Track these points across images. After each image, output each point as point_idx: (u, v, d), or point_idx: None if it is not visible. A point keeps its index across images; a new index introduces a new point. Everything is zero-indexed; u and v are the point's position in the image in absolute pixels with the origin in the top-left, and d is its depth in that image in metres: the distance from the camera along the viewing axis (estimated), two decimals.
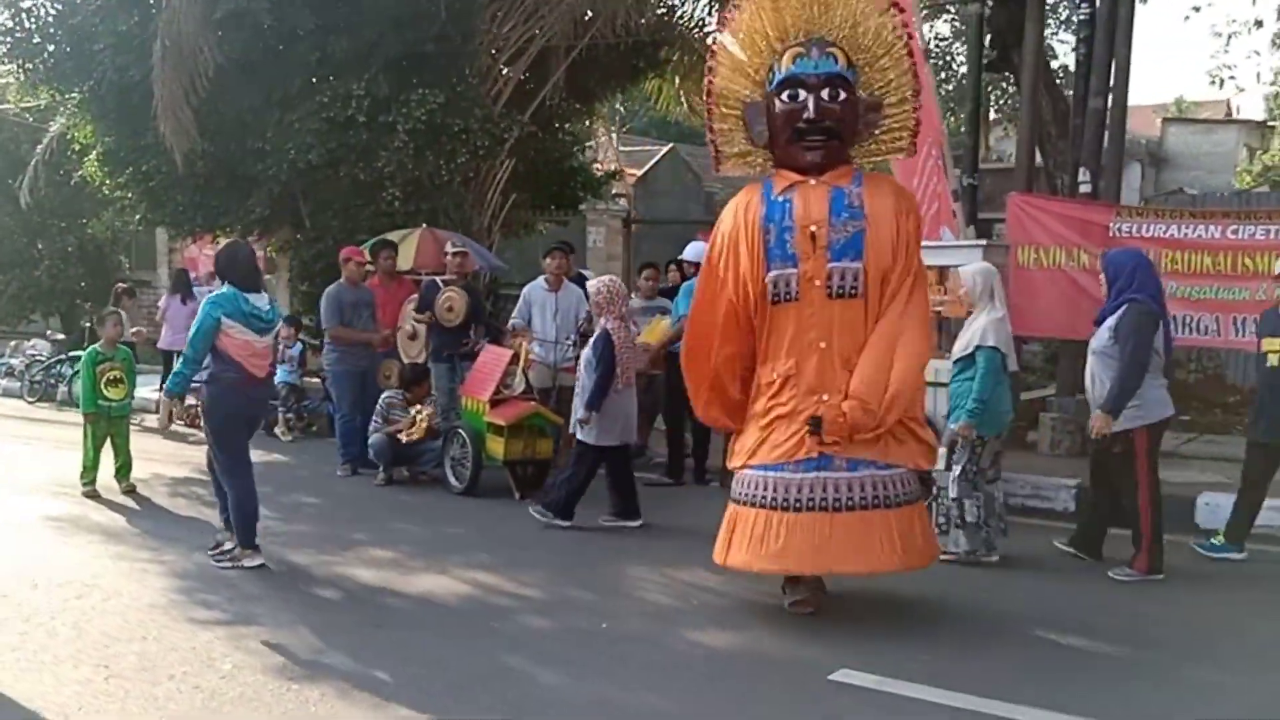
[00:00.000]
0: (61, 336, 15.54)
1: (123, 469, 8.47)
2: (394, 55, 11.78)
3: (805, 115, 5.07)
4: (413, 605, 5.63)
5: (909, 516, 5.14)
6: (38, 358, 14.64)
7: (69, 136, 14.12)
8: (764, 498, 5.11)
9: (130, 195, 13.51)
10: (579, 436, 7.22)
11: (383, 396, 8.77)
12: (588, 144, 14.62)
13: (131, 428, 8.78)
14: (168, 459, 9.76)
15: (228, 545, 6.35)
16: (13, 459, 9.80)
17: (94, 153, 13.40)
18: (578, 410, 7.19)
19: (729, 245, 5.26)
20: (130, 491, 8.34)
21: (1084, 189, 8.88)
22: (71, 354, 14.18)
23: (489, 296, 12.17)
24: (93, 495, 8.22)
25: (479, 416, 8.03)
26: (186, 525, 7.41)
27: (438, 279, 9.31)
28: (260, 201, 12.49)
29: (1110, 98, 8.95)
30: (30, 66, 12.55)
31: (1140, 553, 6.01)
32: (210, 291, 6.60)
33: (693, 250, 8.64)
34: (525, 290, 8.99)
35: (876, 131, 5.27)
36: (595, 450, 7.15)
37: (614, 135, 16.01)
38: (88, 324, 14.68)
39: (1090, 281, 7.73)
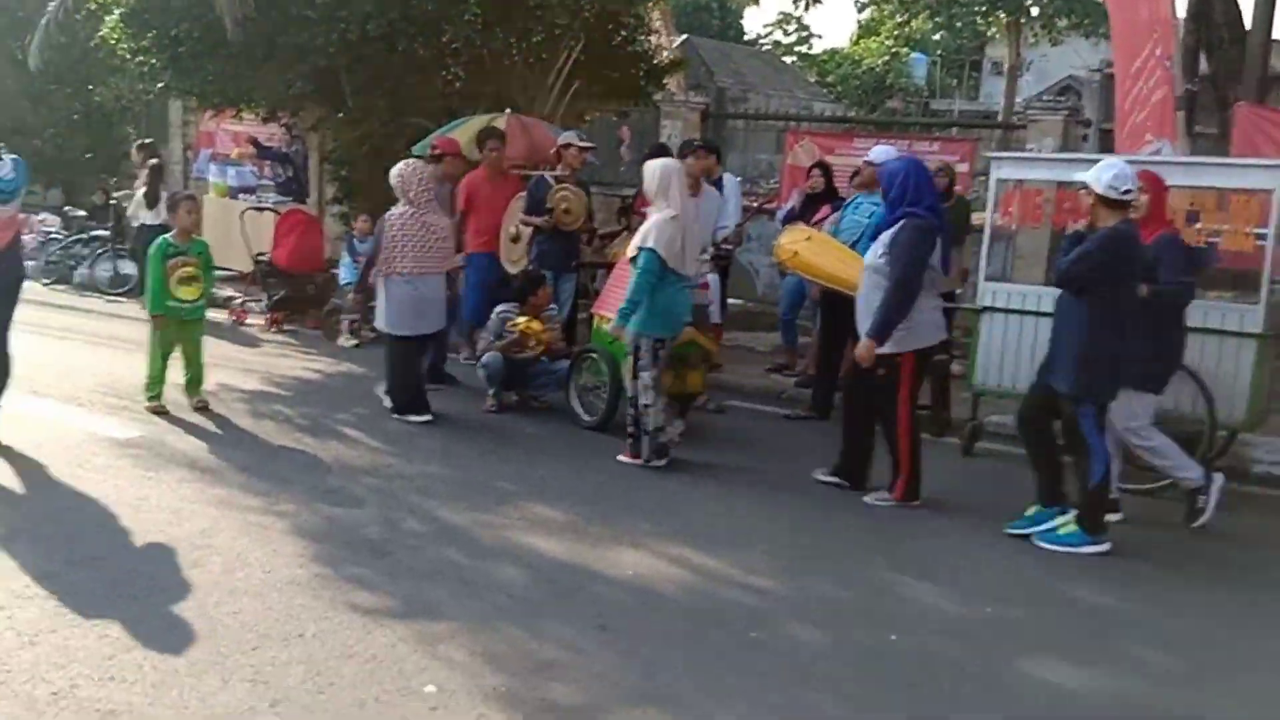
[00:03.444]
0: (81, 213, 13.46)
1: (193, 381, 6.91)
2: None
3: None
4: (629, 598, 4.25)
5: None
6: (53, 235, 12.62)
7: None
8: None
9: (154, 61, 11.51)
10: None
11: (496, 310, 7.15)
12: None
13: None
14: (234, 366, 8.17)
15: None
16: (42, 357, 7.79)
17: (115, 13, 11.39)
18: None
19: None
20: (203, 408, 6.80)
21: None
22: (92, 233, 12.32)
23: None
24: (160, 411, 6.67)
25: (619, 342, 6.53)
26: (288, 459, 5.94)
27: (546, 175, 7.72)
28: (300, 75, 10.76)
29: None
30: None
31: (899, 479, 5.51)
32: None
33: (879, 153, 6.98)
34: None
35: None
36: (390, 338, 6.78)
37: (671, 22, 14.16)
38: (113, 201, 12.78)
39: None
